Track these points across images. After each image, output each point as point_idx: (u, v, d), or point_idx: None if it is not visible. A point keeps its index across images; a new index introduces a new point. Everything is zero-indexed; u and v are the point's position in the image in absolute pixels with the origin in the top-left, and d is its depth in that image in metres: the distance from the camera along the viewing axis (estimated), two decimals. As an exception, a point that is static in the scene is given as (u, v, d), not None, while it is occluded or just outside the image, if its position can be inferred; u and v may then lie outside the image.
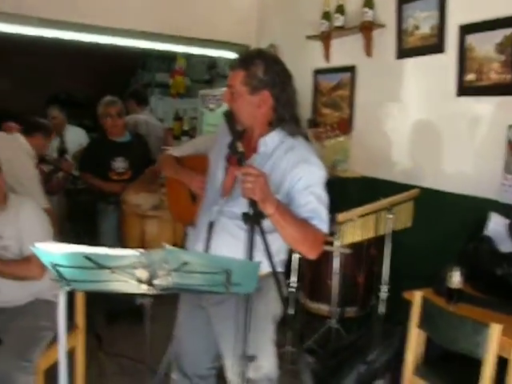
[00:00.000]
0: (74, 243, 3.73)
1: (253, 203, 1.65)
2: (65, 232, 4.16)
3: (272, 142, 1.97)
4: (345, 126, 3.27)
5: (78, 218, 4.56)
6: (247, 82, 1.90)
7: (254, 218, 1.64)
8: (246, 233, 1.62)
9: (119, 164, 4.16)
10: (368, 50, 4.03)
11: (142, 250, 1.28)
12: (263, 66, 1.90)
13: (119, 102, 4.40)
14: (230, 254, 1.76)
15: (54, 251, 1.32)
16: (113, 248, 3.97)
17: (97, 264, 1.30)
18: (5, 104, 7.19)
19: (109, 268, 1.33)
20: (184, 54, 6.78)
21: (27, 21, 4.60)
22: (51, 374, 2.59)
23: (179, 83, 6.68)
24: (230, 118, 1.91)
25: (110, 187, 4.06)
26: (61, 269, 1.35)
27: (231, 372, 2.01)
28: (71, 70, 7.79)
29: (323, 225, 1.89)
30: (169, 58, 7.47)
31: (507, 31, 3.00)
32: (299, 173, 1.90)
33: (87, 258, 1.28)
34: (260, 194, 1.65)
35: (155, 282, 1.39)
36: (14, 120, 4.30)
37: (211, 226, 1.98)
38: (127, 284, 1.41)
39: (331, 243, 3.32)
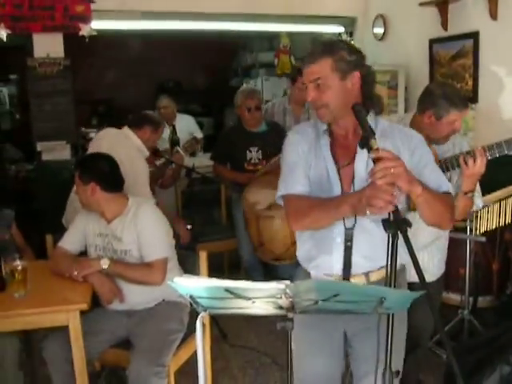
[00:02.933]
0: (191, 232, 3.82)
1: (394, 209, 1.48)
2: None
3: (374, 126, 1.79)
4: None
5: (193, 209, 4.57)
6: (337, 68, 1.77)
7: (396, 224, 1.48)
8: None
9: (254, 154, 3.94)
10: (493, 13, 3.70)
11: (287, 283, 1.17)
12: (346, 48, 1.81)
13: (258, 92, 4.18)
14: (374, 257, 1.78)
15: (193, 285, 1.25)
16: (247, 246, 3.84)
17: (238, 296, 1.21)
18: (111, 96, 7.43)
19: (249, 299, 1.24)
20: (287, 32, 6.57)
21: (131, 15, 4.68)
22: (179, 371, 2.66)
23: (285, 63, 6.47)
24: (360, 112, 1.73)
25: (238, 178, 3.89)
26: (198, 299, 1.28)
27: None
28: (173, 59, 7.88)
29: (449, 187, 1.86)
30: (270, 36, 7.29)
31: None
32: (406, 148, 1.83)
33: (228, 291, 1.19)
34: (407, 175, 1.56)
35: (297, 306, 1.28)
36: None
37: (348, 232, 1.80)
38: (266, 310, 1.32)
39: (463, 230, 3.06)
